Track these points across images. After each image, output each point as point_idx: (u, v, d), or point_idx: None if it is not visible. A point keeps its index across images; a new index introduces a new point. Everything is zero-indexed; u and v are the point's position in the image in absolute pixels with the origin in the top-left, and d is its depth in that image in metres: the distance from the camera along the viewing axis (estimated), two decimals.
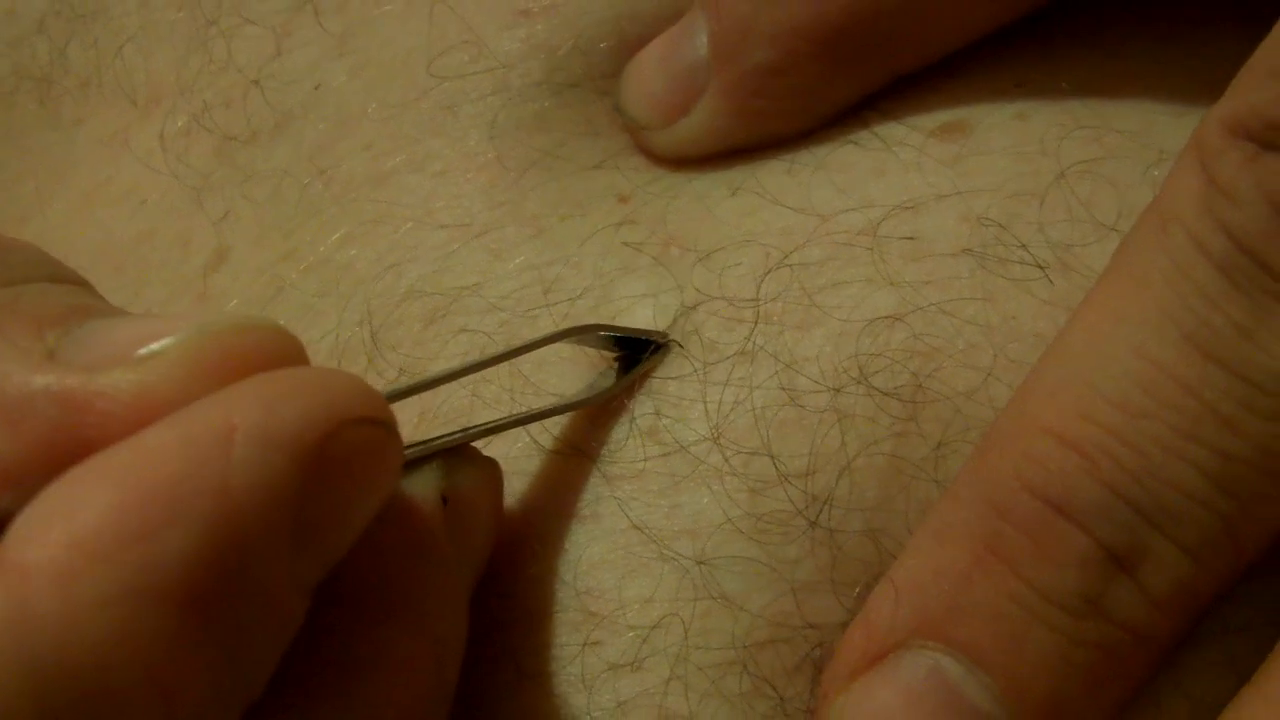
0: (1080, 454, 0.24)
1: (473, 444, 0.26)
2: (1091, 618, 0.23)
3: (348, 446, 0.21)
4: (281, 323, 0.22)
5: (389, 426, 0.22)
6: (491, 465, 0.26)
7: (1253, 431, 0.23)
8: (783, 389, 0.26)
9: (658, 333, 0.27)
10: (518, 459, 0.27)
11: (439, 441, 0.25)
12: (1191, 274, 0.24)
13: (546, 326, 0.28)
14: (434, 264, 0.29)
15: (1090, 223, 0.27)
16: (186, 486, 0.19)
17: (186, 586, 0.19)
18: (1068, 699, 0.24)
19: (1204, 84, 0.26)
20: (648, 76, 0.30)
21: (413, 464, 0.25)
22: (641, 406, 0.27)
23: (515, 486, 0.27)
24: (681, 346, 0.27)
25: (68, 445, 0.20)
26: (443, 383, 0.26)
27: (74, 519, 0.19)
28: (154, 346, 0.21)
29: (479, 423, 0.26)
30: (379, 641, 0.22)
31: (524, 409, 0.27)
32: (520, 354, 0.27)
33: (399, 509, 0.23)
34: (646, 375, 0.27)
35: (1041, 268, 0.27)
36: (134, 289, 0.32)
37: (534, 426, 0.27)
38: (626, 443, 0.27)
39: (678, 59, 0.30)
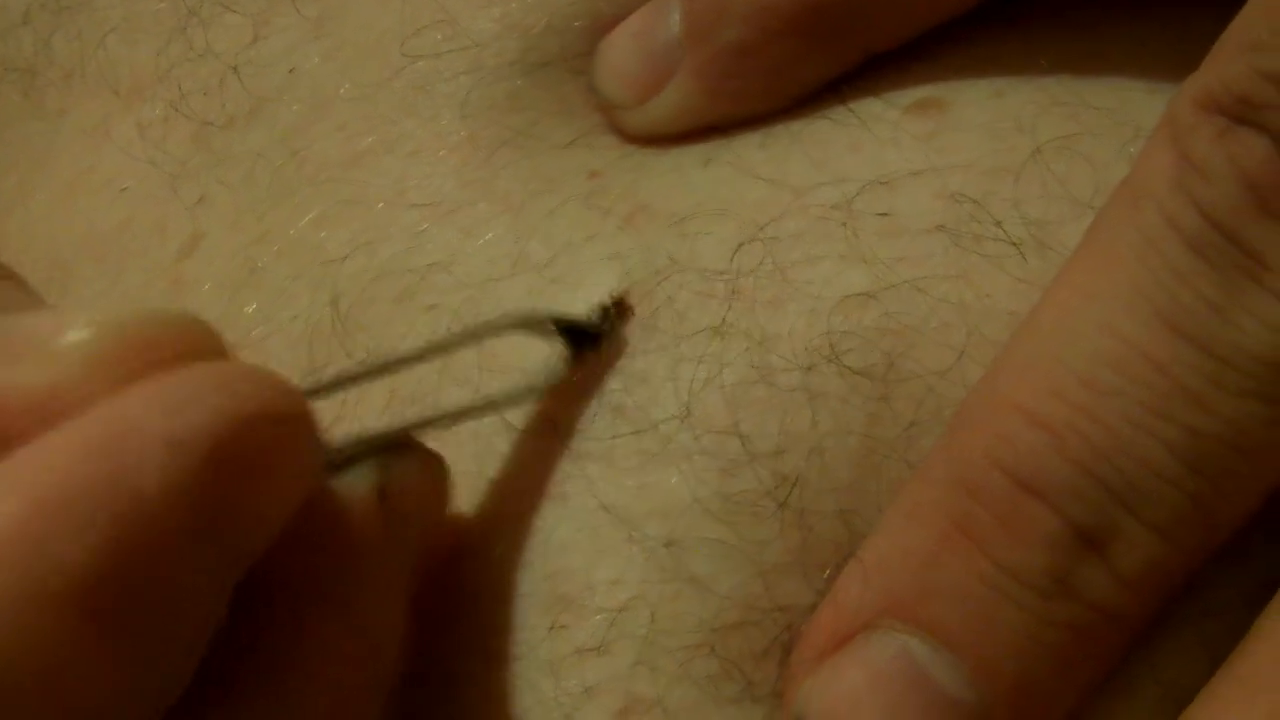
0: (1049, 432, 0.23)
1: (430, 432, 0.26)
2: (1061, 598, 0.23)
3: (255, 444, 0.21)
4: (195, 313, 0.22)
5: (301, 422, 0.22)
6: (434, 460, 0.26)
7: (1223, 409, 0.23)
8: (753, 366, 0.26)
9: (595, 325, 0.27)
10: (485, 435, 0.27)
11: (376, 437, 0.25)
12: (1162, 250, 0.23)
13: (510, 298, 0.28)
14: (405, 243, 0.29)
15: (1066, 200, 0.27)
16: (85, 492, 0.19)
17: (86, 592, 0.19)
18: (1038, 680, 0.23)
19: (1181, 60, 0.26)
20: (621, 55, 0.30)
21: (352, 459, 0.24)
22: (610, 382, 0.27)
23: (482, 464, 0.27)
24: (660, 310, 0.27)
25: None
26: (374, 377, 0.26)
27: None
28: (65, 340, 0.21)
29: (421, 415, 0.26)
30: (308, 637, 0.22)
31: (482, 396, 0.27)
32: (451, 349, 0.27)
33: (332, 504, 0.23)
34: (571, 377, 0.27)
35: (1016, 245, 0.27)
36: (113, 277, 0.32)
37: (501, 399, 0.27)
38: (595, 420, 0.27)
39: (651, 37, 0.30)
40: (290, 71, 0.32)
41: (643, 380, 0.27)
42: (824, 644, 0.24)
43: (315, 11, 0.33)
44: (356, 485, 0.24)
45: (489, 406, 0.27)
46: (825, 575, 0.25)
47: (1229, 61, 0.24)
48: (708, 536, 0.26)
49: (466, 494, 0.26)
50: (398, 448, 0.25)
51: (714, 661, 0.25)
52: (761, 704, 0.25)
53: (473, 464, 0.27)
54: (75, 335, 0.21)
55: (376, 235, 0.30)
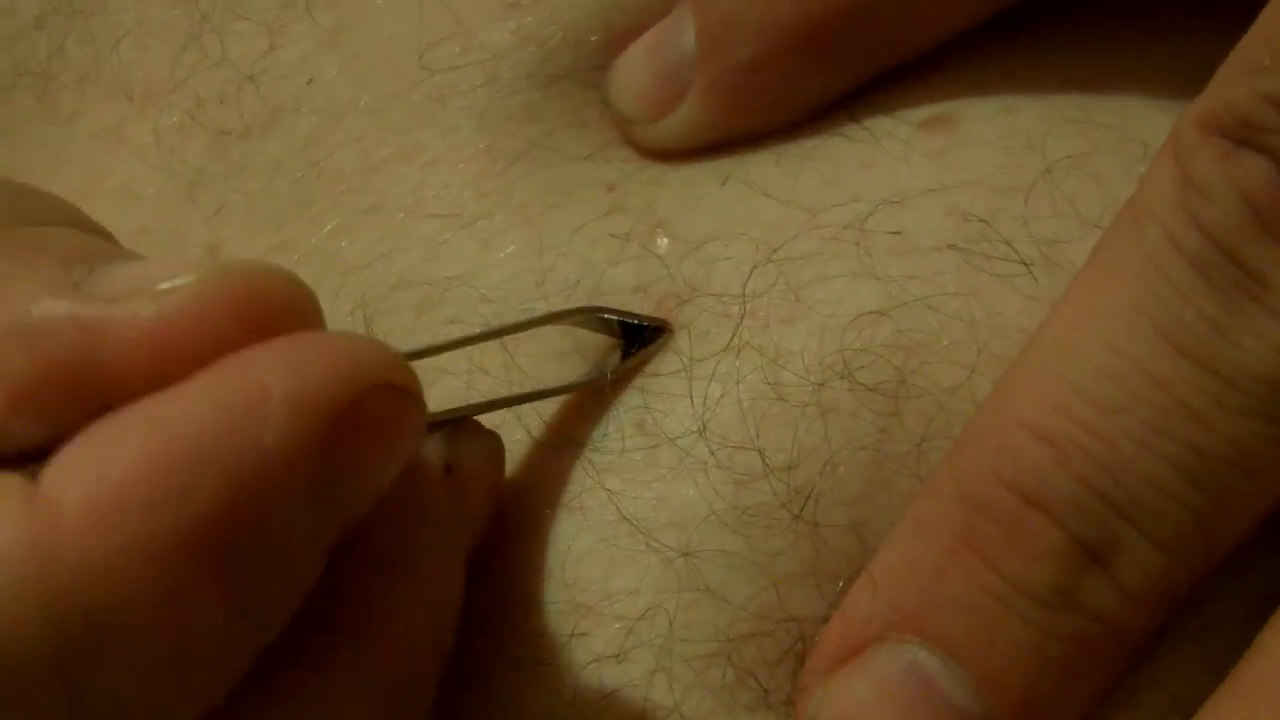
0: (1053, 447, 0.24)
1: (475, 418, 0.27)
2: (1065, 610, 0.24)
3: (375, 411, 0.22)
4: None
5: (414, 393, 0.23)
6: (494, 438, 0.27)
7: (1225, 427, 0.24)
8: (767, 383, 0.27)
9: (659, 319, 0.28)
10: (509, 447, 0.28)
11: (445, 413, 0.27)
12: (1165, 269, 0.25)
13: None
14: (423, 253, 0.30)
15: (1075, 219, 0.28)
16: (220, 443, 0.20)
17: (211, 539, 0.20)
18: (1043, 692, 0.24)
19: (1189, 78, 0.27)
20: (635, 71, 0.31)
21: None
22: (630, 398, 0.28)
23: (506, 474, 0.28)
24: (678, 332, 0.28)
25: (85, 368, 0.22)
26: (453, 348, 0.27)
27: (111, 462, 0.20)
28: (173, 282, 0.22)
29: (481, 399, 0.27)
30: (380, 604, 0.24)
31: (545, 383, 0.28)
32: (526, 329, 0.28)
33: (406, 474, 0.24)
34: (648, 360, 0.28)
35: (1026, 264, 0.28)
36: None
37: (527, 415, 0.28)
38: (615, 434, 0.28)
39: (664, 54, 0.31)
40: (308, 82, 0.33)
41: (661, 396, 0.28)
42: (834, 655, 0.25)
43: (330, 21, 0.33)
44: (426, 457, 0.25)
45: (552, 391, 0.28)
46: (838, 587, 0.26)
47: (1232, 84, 0.25)
48: (723, 548, 0.27)
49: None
50: (460, 425, 0.27)
51: (730, 670, 0.26)
52: (775, 712, 0.26)
53: None
54: (181, 279, 0.22)
55: (395, 245, 0.31)
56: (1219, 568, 0.25)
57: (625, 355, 0.28)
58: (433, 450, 0.26)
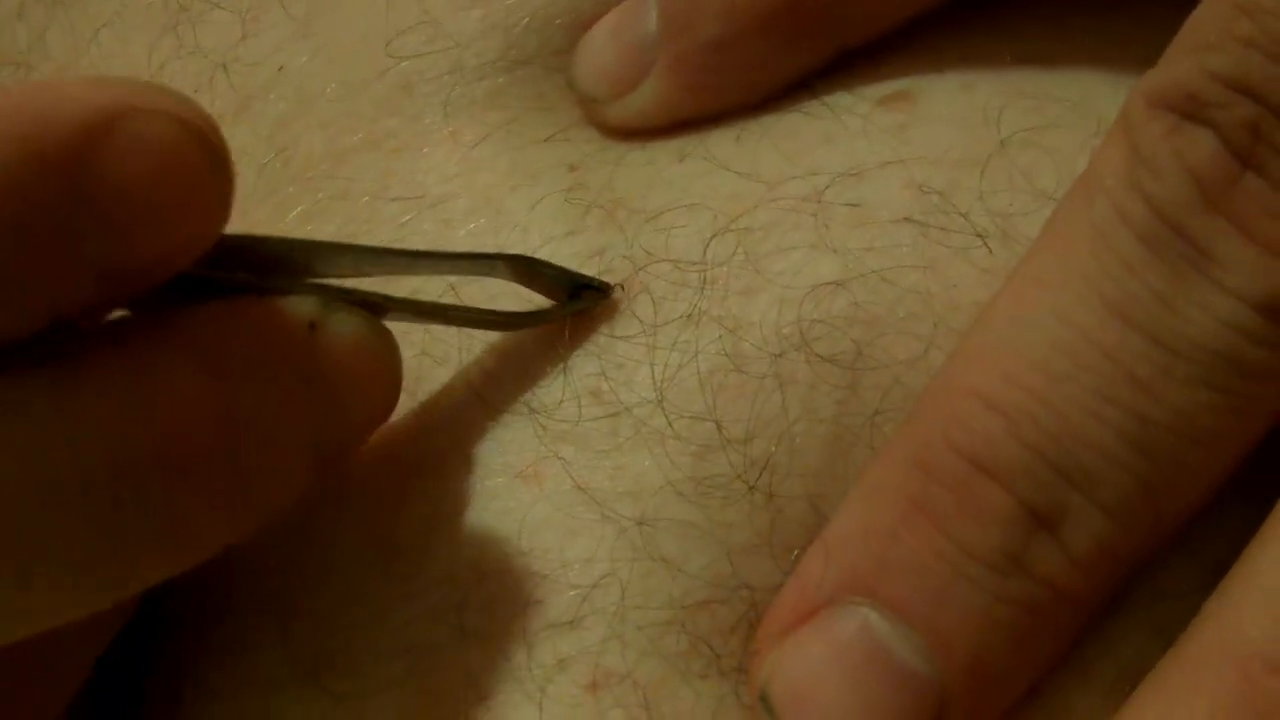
0: (1002, 415, 0.25)
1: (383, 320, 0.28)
2: (1014, 575, 0.25)
3: (135, 131, 0.23)
4: None
5: (189, 122, 0.24)
6: (384, 331, 0.28)
7: (1171, 397, 0.25)
8: (725, 354, 0.29)
9: (600, 280, 0.29)
10: (463, 414, 0.29)
11: (348, 291, 0.27)
12: (1113, 242, 0.26)
13: (487, 286, 0.30)
14: (388, 234, 0.31)
15: (1030, 192, 0.29)
16: None
17: None
18: (992, 655, 0.25)
19: (1145, 54, 0.28)
20: (598, 50, 0.32)
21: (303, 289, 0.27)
22: (586, 366, 0.29)
23: (460, 442, 0.29)
24: (623, 290, 0.29)
25: None
26: (370, 260, 0.28)
27: None
28: None
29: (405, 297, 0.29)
30: (160, 361, 0.25)
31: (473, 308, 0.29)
32: (459, 261, 0.29)
33: (262, 305, 0.26)
34: (585, 314, 0.29)
35: (981, 236, 0.29)
36: None
37: (479, 381, 0.29)
38: (570, 402, 0.29)
39: (628, 33, 0.32)
40: (279, 70, 0.34)
41: (618, 365, 0.29)
42: (788, 620, 0.26)
43: (302, 11, 0.35)
44: (293, 305, 0.26)
45: (478, 316, 0.29)
46: (793, 556, 0.27)
47: (1179, 60, 0.26)
48: (679, 518, 0.28)
49: (444, 471, 0.29)
50: (350, 298, 0.27)
51: (683, 638, 0.27)
52: (728, 678, 0.27)
53: (450, 442, 0.29)
54: None
55: (360, 228, 0.32)
56: (1171, 539, 0.26)
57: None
58: (304, 303, 0.27)
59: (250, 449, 0.25)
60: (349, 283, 0.28)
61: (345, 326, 0.27)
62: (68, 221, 0.23)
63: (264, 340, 0.26)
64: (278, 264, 0.28)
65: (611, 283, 0.30)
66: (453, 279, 0.30)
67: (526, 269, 0.29)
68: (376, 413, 0.28)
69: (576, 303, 0.29)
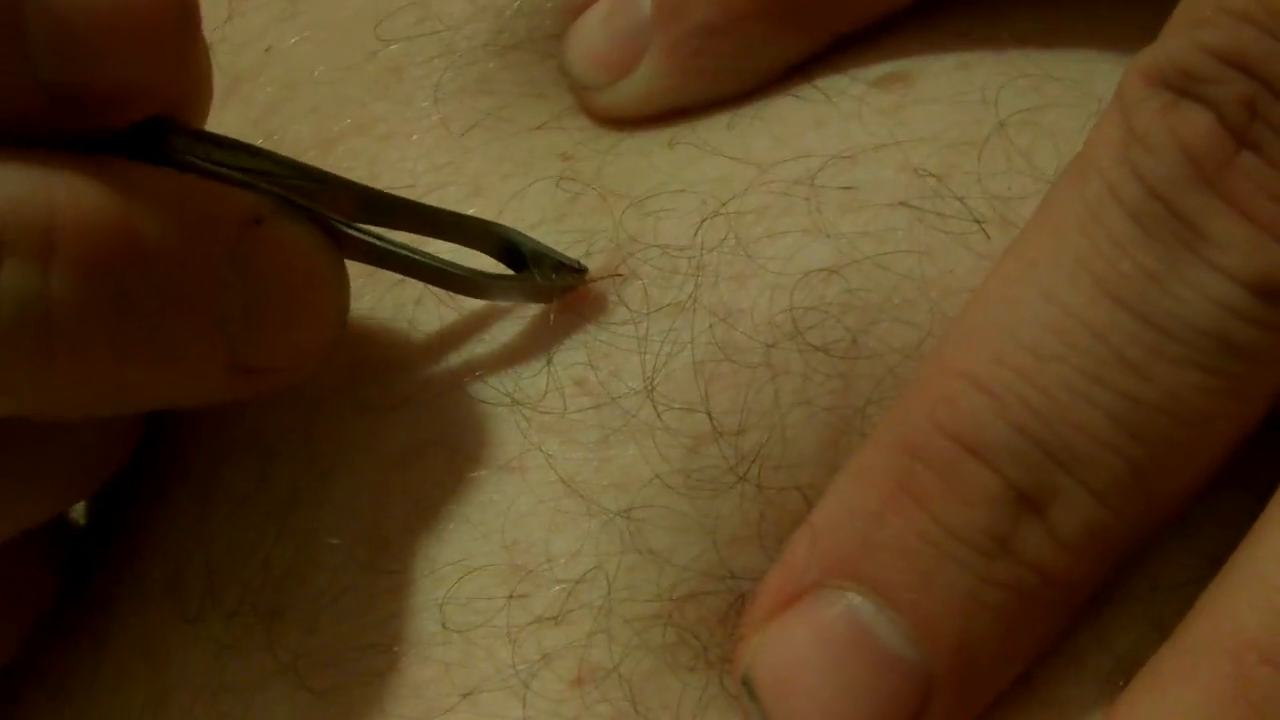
0: (990, 395, 0.26)
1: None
2: (1001, 558, 0.26)
3: None
4: None
5: None
6: (333, 256, 0.28)
7: (1161, 377, 0.26)
8: (717, 343, 0.29)
9: (575, 260, 0.30)
10: (446, 405, 0.30)
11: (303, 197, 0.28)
12: (1104, 221, 0.26)
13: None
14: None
15: (1029, 174, 0.29)
16: None
17: None
18: (979, 639, 0.26)
19: (1147, 34, 0.28)
20: (591, 35, 0.33)
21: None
22: (573, 355, 0.30)
23: (444, 434, 0.30)
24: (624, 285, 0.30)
25: None
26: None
27: None
28: None
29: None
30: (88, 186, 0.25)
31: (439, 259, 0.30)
32: (444, 225, 0.30)
33: (202, 186, 0.27)
34: (565, 300, 0.30)
35: (978, 221, 0.29)
36: None
37: (462, 371, 0.30)
38: (555, 392, 0.30)
39: (621, 18, 0.33)
40: (266, 50, 0.35)
41: (606, 354, 0.30)
42: (773, 604, 0.27)
43: None
44: (246, 195, 0.27)
45: (453, 272, 0.30)
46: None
47: (1174, 37, 0.27)
48: (667, 510, 0.29)
49: (428, 463, 0.29)
50: (308, 215, 0.28)
51: (671, 630, 0.28)
52: (716, 669, 0.28)
53: (433, 434, 0.30)
54: None
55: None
56: (1167, 523, 0.27)
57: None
58: (255, 199, 0.28)
59: (153, 308, 0.26)
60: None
61: (291, 233, 0.28)
62: (5, 30, 0.24)
63: (200, 212, 0.27)
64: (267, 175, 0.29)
65: (590, 268, 0.30)
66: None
67: (507, 242, 0.30)
68: (310, 333, 0.28)
69: (550, 278, 0.30)
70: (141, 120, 0.27)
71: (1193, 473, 0.26)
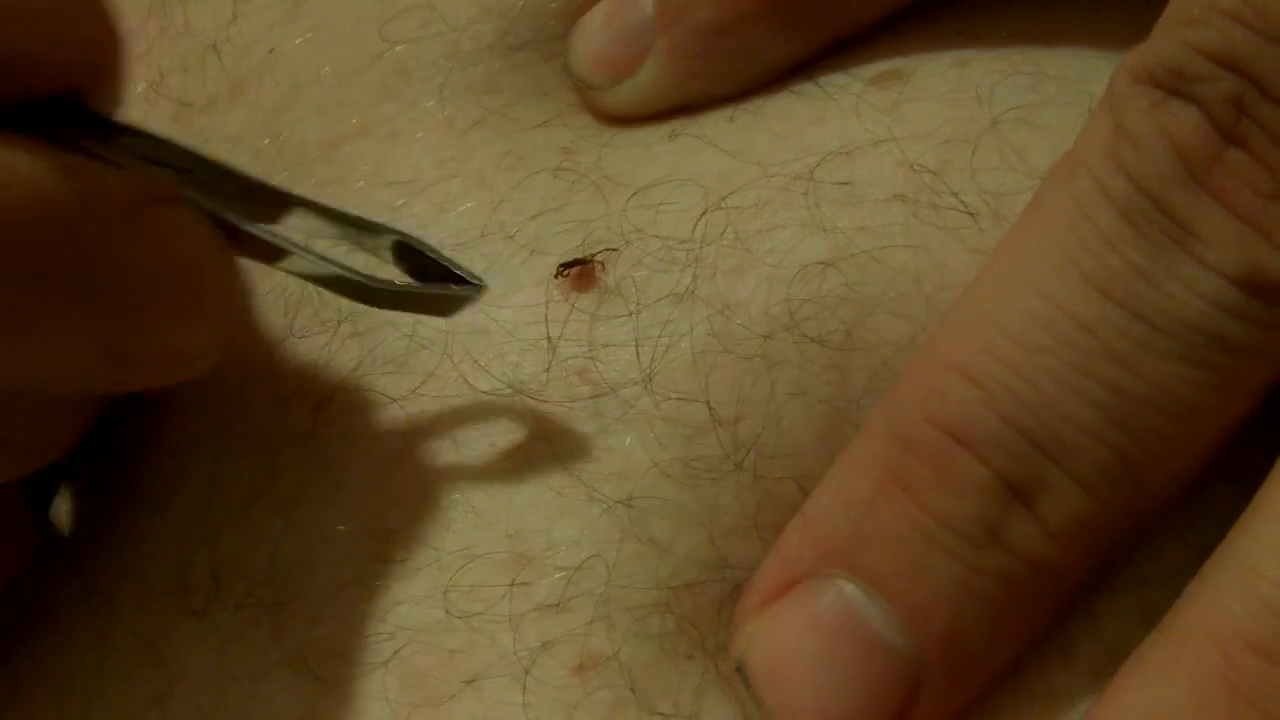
0: (979, 386, 0.27)
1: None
2: (990, 547, 0.27)
3: None
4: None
5: None
6: (216, 244, 0.29)
7: (1149, 370, 0.27)
8: (714, 334, 0.30)
9: (476, 277, 0.30)
10: (448, 396, 0.31)
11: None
12: (1093, 216, 0.27)
13: (474, 263, 0.31)
14: (382, 217, 0.33)
15: (1023, 170, 0.31)
16: None
17: None
18: (969, 629, 0.27)
19: (1140, 32, 0.29)
20: (594, 36, 0.34)
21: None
22: (574, 347, 0.31)
23: (445, 423, 0.31)
24: (623, 279, 0.31)
25: None
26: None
27: None
28: None
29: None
30: None
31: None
32: (345, 226, 0.30)
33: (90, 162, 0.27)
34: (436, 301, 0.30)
35: (973, 216, 0.30)
36: None
37: (465, 363, 0.31)
38: (558, 383, 0.31)
39: (624, 18, 0.34)
40: (270, 52, 0.36)
41: (605, 345, 0.31)
42: (766, 592, 0.28)
43: None
44: (133, 179, 0.27)
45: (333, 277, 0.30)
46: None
47: (1163, 36, 0.28)
48: (666, 499, 0.30)
49: (431, 454, 0.31)
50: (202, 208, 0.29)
51: (670, 618, 0.29)
52: (714, 658, 0.29)
53: (436, 424, 0.31)
54: None
55: (354, 212, 0.33)
56: (1157, 515, 0.28)
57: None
58: (134, 183, 0.27)
59: (15, 277, 0.26)
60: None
61: (176, 223, 0.28)
62: None
63: (77, 191, 0.26)
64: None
65: (485, 282, 0.30)
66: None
67: (407, 250, 0.31)
68: (192, 326, 0.28)
69: (449, 289, 0.30)
70: (41, 95, 0.26)
71: (1181, 465, 0.27)
